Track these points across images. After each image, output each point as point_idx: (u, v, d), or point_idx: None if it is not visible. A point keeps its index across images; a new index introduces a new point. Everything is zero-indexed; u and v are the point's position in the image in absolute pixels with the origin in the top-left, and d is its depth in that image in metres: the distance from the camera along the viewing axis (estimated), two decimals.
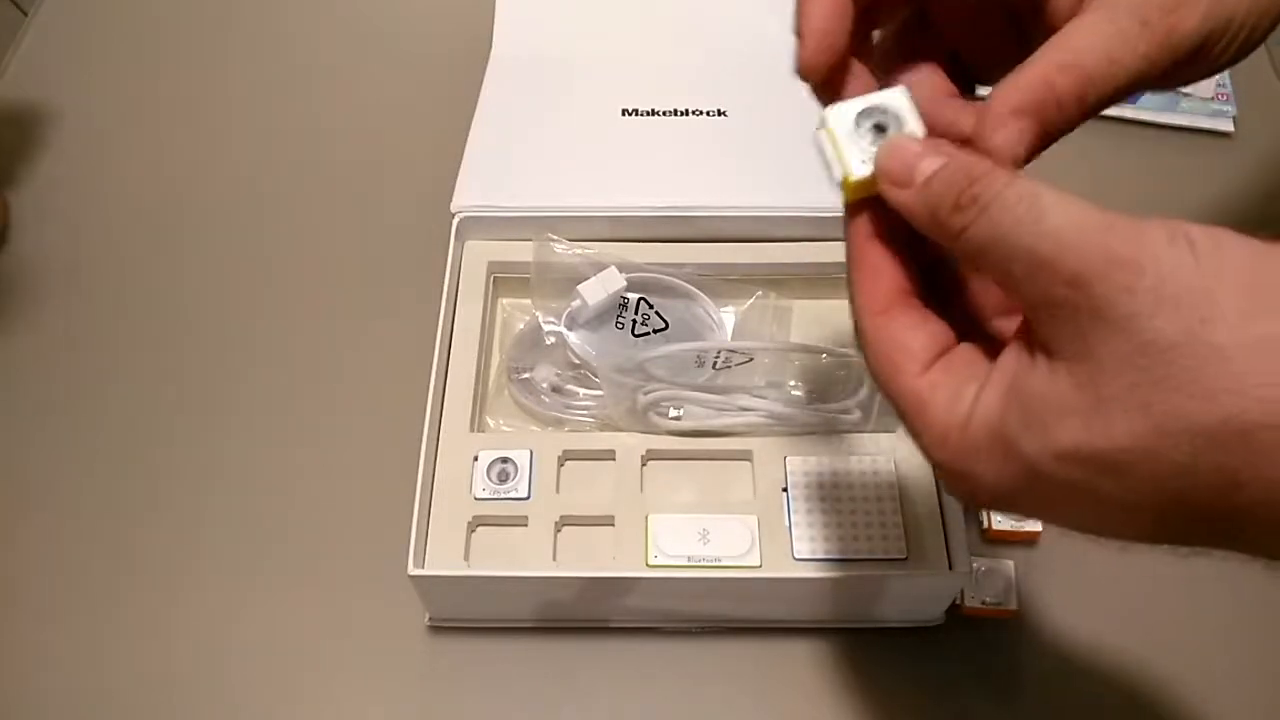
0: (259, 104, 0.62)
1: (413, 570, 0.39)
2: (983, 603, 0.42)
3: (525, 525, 0.43)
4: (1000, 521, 0.44)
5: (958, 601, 0.42)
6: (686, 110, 0.56)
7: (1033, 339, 0.24)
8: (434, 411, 0.44)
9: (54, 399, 0.50)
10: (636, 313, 0.48)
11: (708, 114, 0.56)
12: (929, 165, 0.25)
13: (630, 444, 0.45)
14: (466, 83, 0.57)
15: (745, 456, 0.45)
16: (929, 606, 0.42)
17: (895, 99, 0.27)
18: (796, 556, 0.41)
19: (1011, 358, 0.25)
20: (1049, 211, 0.23)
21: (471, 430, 0.45)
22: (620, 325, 0.48)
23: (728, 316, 0.50)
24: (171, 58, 0.65)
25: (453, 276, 0.48)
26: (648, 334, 0.48)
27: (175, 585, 0.45)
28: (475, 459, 0.44)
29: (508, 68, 0.58)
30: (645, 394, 0.45)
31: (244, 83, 0.63)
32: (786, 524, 0.42)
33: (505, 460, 0.44)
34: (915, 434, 0.26)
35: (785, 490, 0.43)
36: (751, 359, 0.46)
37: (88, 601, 0.44)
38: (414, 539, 0.40)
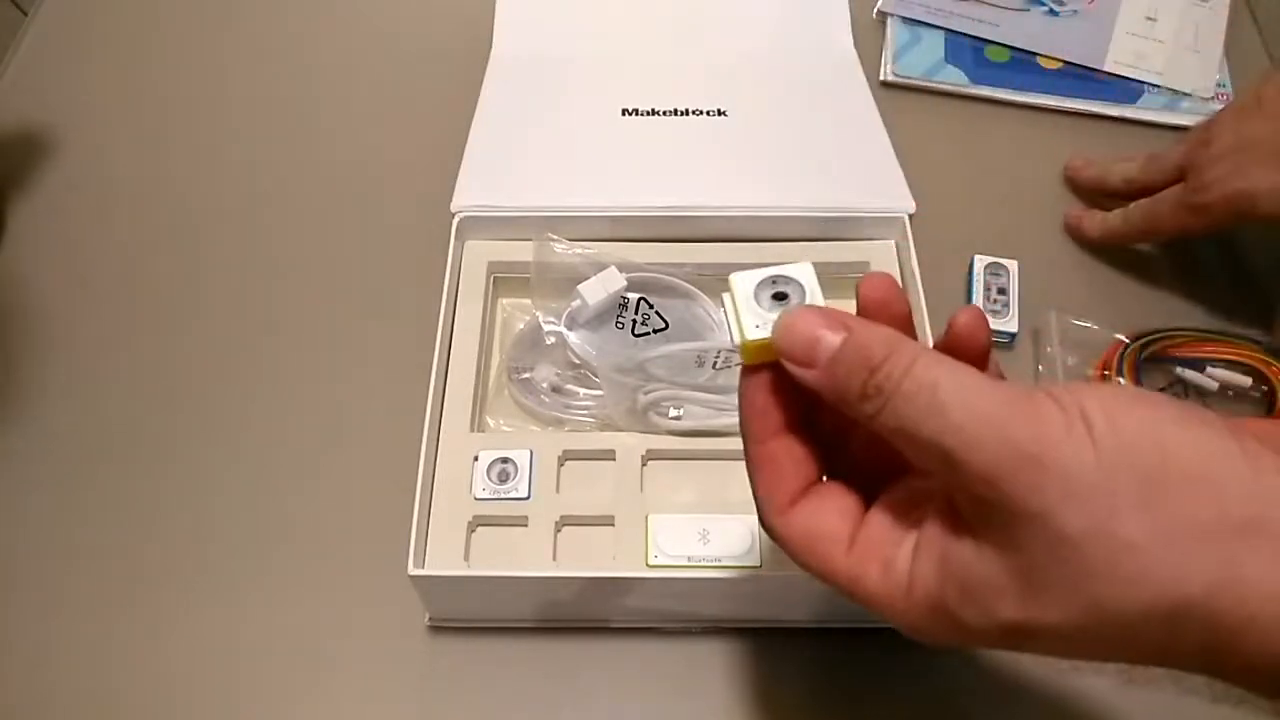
0: (259, 104, 0.62)
1: (413, 570, 0.39)
2: None
3: (525, 525, 0.43)
4: None
5: None
6: (686, 110, 0.56)
7: (957, 516, 0.25)
8: (434, 411, 0.44)
9: (52, 399, 0.50)
10: (636, 313, 0.48)
11: (708, 114, 0.56)
12: (829, 342, 0.25)
13: (630, 444, 0.45)
14: (466, 83, 0.57)
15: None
16: None
17: (801, 271, 0.28)
18: None
19: (936, 528, 0.25)
20: (948, 404, 0.23)
21: (471, 430, 0.45)
22: (620, 325, 0.48)
23: None
24: (171, 58, 0.65)
25: (453, 276, 0.48)
26: (648, 334, 0.48)
27: (175, 585, 0.45)
28: (475, 459, 0.44)
29: (508, 68, 0.58)
30: (645, 394, 0.45)
31: (244, 83, 0.63)
32: None
33: (505, 460, 0.44)
34: (859, 603, 0.27)
35: None
36: None
37: (88, 603, 0.44)
38: (414, 539, 0.40)
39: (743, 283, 0.28)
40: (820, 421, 0.29)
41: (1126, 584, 0.22)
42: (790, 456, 0.28)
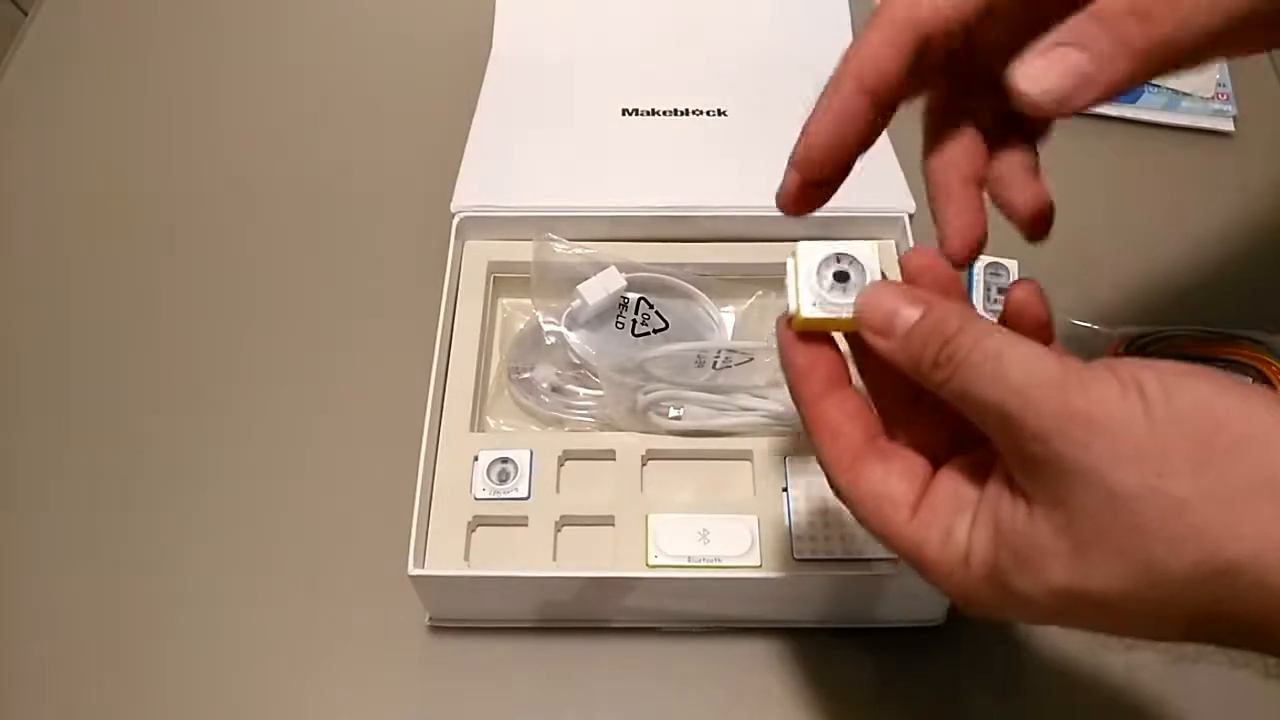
0: (259, 104, 0.62)
1: (413, 570, 0.39)
2: None
3: (525, 525, 0.43)
4: None
5: None
6: (686, 110, 0.56)
7: (1013, 483, 0.25)
8: (434, 411, 0.44)
9: (52, 399, 0.50)
10: (636, 313, 0.48)
11: (708, 114, 0.56)
12: (907, 316, 0.27)
13: (630, 444, 0.45)
14: (466, 83, 0.57)
15: (745, 456, 0.45)
16: (929, 606, 0.42)
17: (866, 252, 0.29)
18: (796, 556, 0.41)
19: (994, 494, 0.26)
20: (1011, 369, 0.24)
21: (471, 430, 0.45)
22: (620, 325, 0.48)
23: (728, 316, 0.50)
24: (172, 58, 0.65)
25: (453, 276, 0.48)
26: (648, 334, 0.48)
27: (176, 585, 0.45)
28: (475, 459, 0.44)
29: (508, 68, 0.58)
30: (645, 394, 0.45)
31: (244, 83, 0.63)
32: (786, 524, 0.42)
33: (505, 460, 0.44)
34: (919, 571, 0.27)
35: (785, 490, 0.43)
36: (751, 359, 0.46)
37: (88, 602, 0.44)
38: (414, 539, 0.40)
39: (808, 257, 0.29)
40: (893, 389, 0.30)
41: (1176, 542, 0.22)
42: (843, 412, 0.29)
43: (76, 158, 0.60)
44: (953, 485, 0.27)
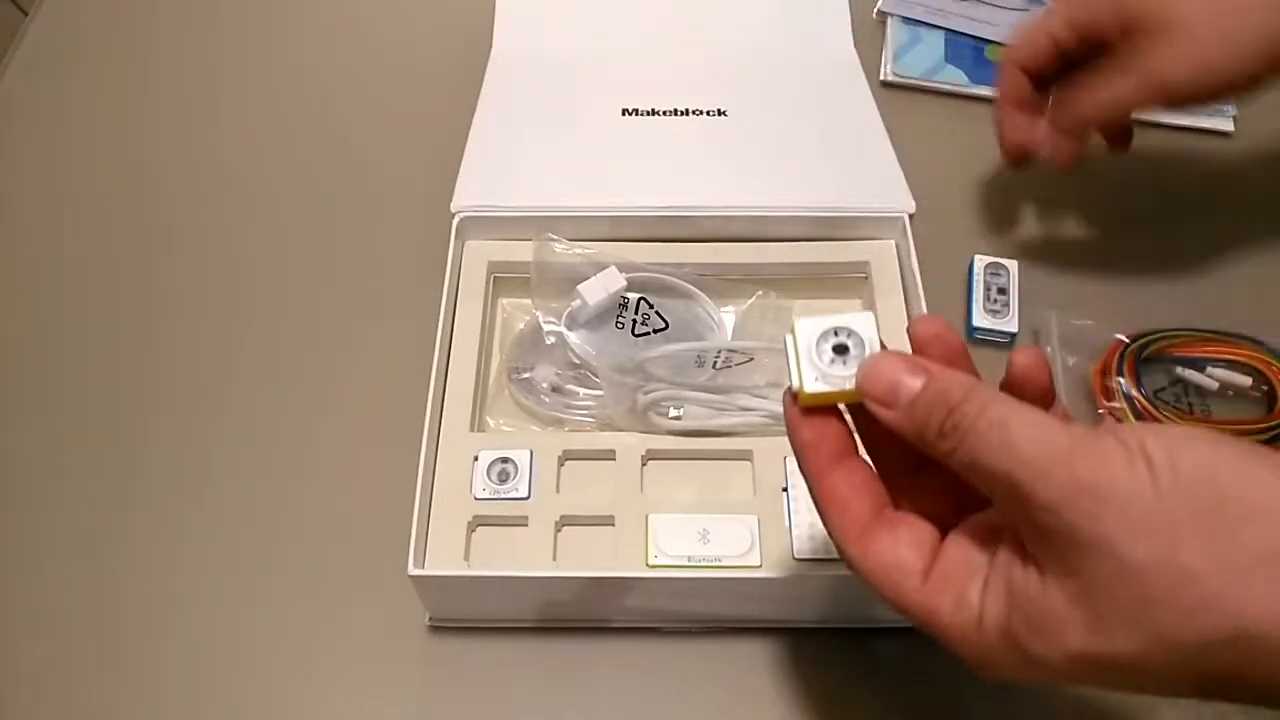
0: (259, 104, 0.62)
1: (413, 570, 0.39)
2: None
3: (525, 525, 0.43)
4: None
5: None
6: (686, 110, 0.56)
7: (1024, 549, 0.26)
8: (434, 411, 0.44)
9: (52, 399, 0.50)
10: (636, 312, 0.48)
11: (708, 114, 0.56)
12: (910, 386, 0.27)
13: (630, 444, 0.45)
14: (466, 83, 0.57)
15: (745, 456, 0.45)
16: None
17: (863, 323, 0.29)
18: (796, 556, 0.41)
19: (1005, 560, 0.26)
20: (1018, 439, 0.25)
21: (471, 430, 0.45)
22: (620, 325, 0.48)
23: (728, 316, 0.50)
24: (172, 58, 0.65)
25: (453, 276, 0.48)
26: (648, 334, 0.48)
27: (176, 585, 0.45)
28: (475, 459, 0.44)
29: (508, 68, 0.58)
30: (645, 394, 0.45)
31: (244, 83, 0.63)
32: (786, 524, 0.42)
33: (505, 460, 0.44)
34: (934, 636, 0.28)
35: (785, 490, 0.43)
36: (751, 359, 0.46)
37: (88, 602, 0.44)
38: (414, 539, 0.40)
39: (805, 332, 0.29)
40: (898, 457, 0.30)
41: (1187, 612, 0.22)
42: (850, 485, 0.29)
43: (76, 158, 0.60)
44: (962, 551, 0.28)
